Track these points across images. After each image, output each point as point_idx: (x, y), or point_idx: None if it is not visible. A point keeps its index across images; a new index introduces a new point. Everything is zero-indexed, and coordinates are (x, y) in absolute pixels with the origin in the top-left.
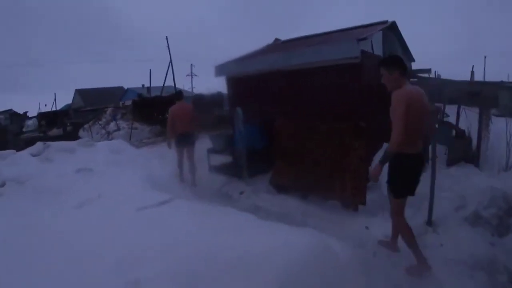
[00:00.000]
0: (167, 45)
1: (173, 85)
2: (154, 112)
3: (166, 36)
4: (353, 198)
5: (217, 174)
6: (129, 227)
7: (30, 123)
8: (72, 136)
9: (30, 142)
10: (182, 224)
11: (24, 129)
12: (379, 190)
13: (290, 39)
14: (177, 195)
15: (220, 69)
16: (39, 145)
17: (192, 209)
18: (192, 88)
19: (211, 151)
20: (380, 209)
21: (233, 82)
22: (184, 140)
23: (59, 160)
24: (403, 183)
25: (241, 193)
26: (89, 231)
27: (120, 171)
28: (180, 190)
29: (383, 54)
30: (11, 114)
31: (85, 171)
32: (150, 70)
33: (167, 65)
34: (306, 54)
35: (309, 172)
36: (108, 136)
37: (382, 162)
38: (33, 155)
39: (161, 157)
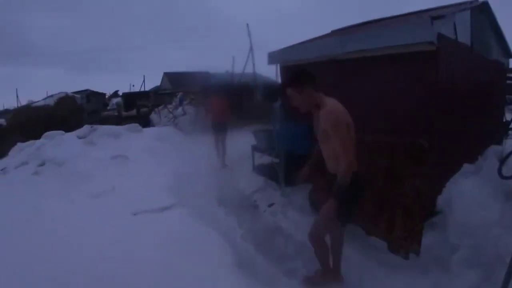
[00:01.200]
0: (247, 33)
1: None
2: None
3: (247, 24)
4: (403, 243)
5: (258, 176)
6: (117, 231)
7: (116, 101)
8: (144, 118)
9: (104, 121)
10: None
11: (108, 108)
12: (439, 234)
13: (358, 24)
14: (187, 199)
15: (273, 56)
16: (86, 128)
17: (179, 224)
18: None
19: (255, 148)
20: (435, 264)
21: (285, 71)
22: (217, 128)
23: (101, 145)
24: (354, 206)
25: (270, 205)
26: (87, 226)
27: (153, 162)
28: (196, 192)
29: (471, 42)
30: (88, 94)
31: (120, 158)
32: (233, 57)
33: (249, 52)
34: (362, 40)
35: None
36: (174, 120)
37: (337, 198)
38: (79, 137)
39: (207, 146)
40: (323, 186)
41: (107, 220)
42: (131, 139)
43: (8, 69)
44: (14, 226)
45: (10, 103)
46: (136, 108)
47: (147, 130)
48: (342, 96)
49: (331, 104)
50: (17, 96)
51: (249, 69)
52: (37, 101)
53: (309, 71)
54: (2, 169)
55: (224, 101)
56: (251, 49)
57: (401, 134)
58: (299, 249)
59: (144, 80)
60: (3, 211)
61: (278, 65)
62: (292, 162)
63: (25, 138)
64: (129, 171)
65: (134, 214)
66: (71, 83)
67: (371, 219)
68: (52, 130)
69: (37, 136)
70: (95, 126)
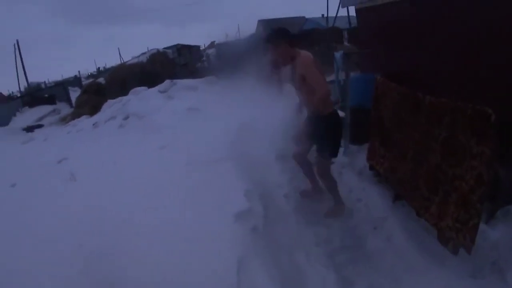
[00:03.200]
0: None
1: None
2: (314, 45)
3: None
4: (453, 234)
5: None
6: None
7: (207, 52)
8: None
9: (195, 72)
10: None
11: (203, 59)
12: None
13: None
14: (244, 151)
15: None
16: (167, 82)
17: (218, 176)
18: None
19: None
20: (491, 269)
21: (360, 13)
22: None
23: (179, 98)
24: (337, 141)
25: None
26: (144, 173)
27: (224, 114)
28: (257, 145)
29: None
30: (179, 48)
31: (193, 110)
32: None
33: None
34: None
35: (404, 166)
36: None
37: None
38: (160, 92)
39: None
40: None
41: (160, 170)
42: (206, 92)
43: (111, 29)
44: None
45: (114, 61)
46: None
47: (222, 82)
48: (418, 44)
49: (304, 53)
50: (119, 55)
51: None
52: (131, 59)
53: (284, 29)
54: (94, 124)
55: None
56: None
57: (472, 100)
58: (339, 221)
59: (238, 29)
60: (93, 160)
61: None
62: (360, 117)
63: (122, 95)
64: (198, 123)
65: (186, 165)
66: (168, 37)
67: (422, 199)
68: (144, 85)
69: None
70: (174, 81)
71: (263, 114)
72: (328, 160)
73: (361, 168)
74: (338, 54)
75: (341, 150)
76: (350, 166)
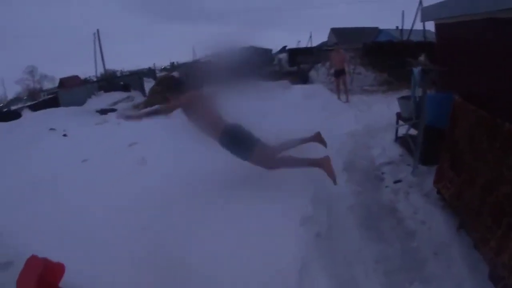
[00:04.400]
0: None
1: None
2: (385, 58)
3: None
4: (507, 274)
5: (399, 147)
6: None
7: (279, 57)
8: (303, 74)
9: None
10: None
11: (274, 63)
12: None
13: None
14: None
15: (427, 12)
16: None
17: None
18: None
19: (399, 117)
20: None
21: (440, 29)
22: (336, 74)
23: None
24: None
25: (396, 182)
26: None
27: (294, 120)
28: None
29: None
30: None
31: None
32: (403, 11)
33: (419, 7)
34: None
35: (472, 192)
36: (331, 79)
37: None
38: None
39: (359, 109)
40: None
41: (229, 164)
42: (279, 95)
43: (186, 28)
44: None
45: (186, 58)
46: (297, 64)
47: (296, 87)
48: (501, 66)
49: None
50: (193, 52)
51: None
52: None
53: None
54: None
55: (341, 53)
56: (420, 4)
57: None
58: (401, 241)
59: (310, 36)
60: (164, 148)
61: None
62: (433, 137)
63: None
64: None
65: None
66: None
67: (484, 229)
68: None
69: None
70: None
71: (335, 122)
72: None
73: (429, 190)
74: (416, 70)
75: (410, 169)
76: (418, 187)
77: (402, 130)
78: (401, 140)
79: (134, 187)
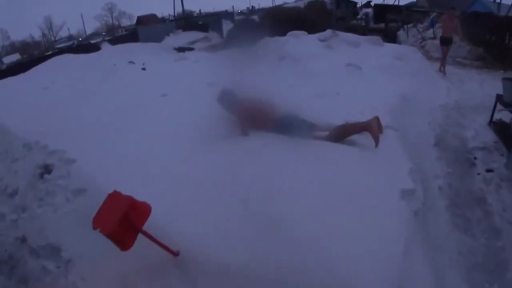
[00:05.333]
0: None
1: None
2: (483, 31)
3: None
4: None
5: (492, 132)
6: None
7: (365, 12)
8: (391, 33)
9: (350, 29)
10: None
11: (358, 17)
12: None
13: None
14: (403, 125)
15: None
16: (328, 32)
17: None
18: None
19: (499, 99)
20: None
21: None
22: (445, 42)
23: (339, 50)
24: None
25: (488, 170)
26: None
27: (384, 79)
28: (418, 123)
29: None
30: (338, 1)
31: (353, 67)
32: None
33: None
34: None
35: None
36: (421, 42)
37: None
38: (320, 40)
39: (451, 82)
40: None
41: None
42: (370, 51)
43: None
44: None
45: (266, 3)
46: (385, 22)
47: (387, 45)
48: None
49: None
50: None
51: None
52: (289, 3)
53: None
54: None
55: (454, 20)
56: None
57: None
58: (486, 237)
59: None
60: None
61: None
62: None
63: (273, 34)
64: (358, 82)
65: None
66: None
67: None
68: (298, 30)
69: (283, 34)
70: (336, 32)
71: (426, 92)
72: None
73: None
74: None
75: (503, 160)
76: (510, 182)
77: (499, 115)
78: (496, 126)
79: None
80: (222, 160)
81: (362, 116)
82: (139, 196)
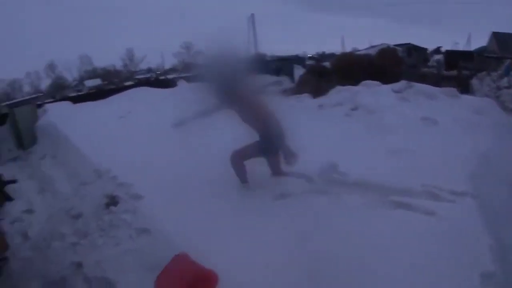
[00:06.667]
0: None
1: None
2: None
3: None
4: None
5: None
6: None
7: (437, 59)
8: (464, 81)
9: (422, 77)
10: None
11: (428, 64)
12: None
13: None
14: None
15: None
16: (402, 83)
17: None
18: None
19: None
20: None
21: None
22: None
23: (415, 102)
24: None
25: None
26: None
27: (466, 134)
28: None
29: None
30: (410, 48)
31: (429, 121)
32: None
33: None
34: None
35: None
36: (496, 92)
37: None
38: (394, 91)
39: None
40: None
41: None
42: (446, 104)
43: (335, 18)
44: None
45: (335, 48)
46: (458, 69)
47: (464, 97)
48: None
49: None
50: (342, 43)
51: None
52: (360, 50)
53: None
54: (319, 105)
55: None
56: None
57: None
58: None
59: (469, 38)
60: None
61: None
62: None
63: (344, 82)
64: (434, 137)
65: (422, 186)
66: (391, 34)
67: None
68: (370, 79)
69: (355, 82)
70: (411, 83)
71: (508, 150)
72: None
73: None
74: None
75: None
76: None
77: None
78: None
79: None
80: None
81: (438, 180)
82: (205, 249)
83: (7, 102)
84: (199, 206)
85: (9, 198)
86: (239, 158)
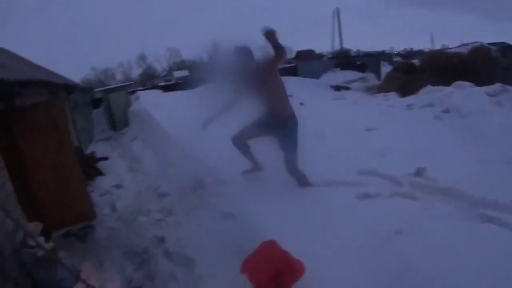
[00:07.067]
0: None
1: None
2: None
3: None
4: None
5: None
6: None
7: None
8: None
9: None
10: None
11: None
12: None
13: None
14: None
15: None
16: (497, 86)
17: None
18: None
19: None
20: None
21: None
22: None
23: (510, 108)
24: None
25: None
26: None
27: None
28: None
29: None
30: (504, 47)
31: None
32: None
33: None
34: None
35: None
36: None
37: None
38: (488, 95)
39: None
40: None
41: None
42: None
43: (423, 12)
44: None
45: (423, 45)
46: None
47: None
48: None
49: None
50: (431, 40)
51: None
52: (451, 48)
53: None
54: (408, 105)
55: None
56: None
57: None
58: None
59: None
60: (405, 142)
61: None
62: None
63: (435, 82)
64: None
65: None
66: (483, 32)
67: None
68: (462, 79)
69: (447, 82)
70: (506, 87)
71: None
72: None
73: None
74: None
75: None
76: None
77: None
78: None
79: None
80: (377, 227)
81: None
82: (288, 240)
83: (102, 88)
84: (283, 197)
85: (100, 173)
86: (240, 139)
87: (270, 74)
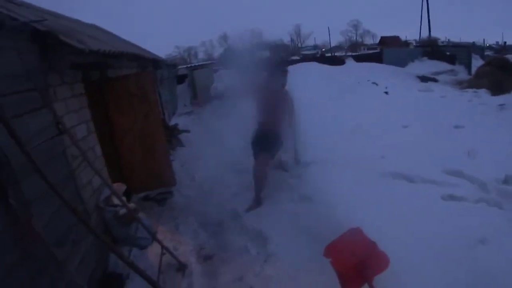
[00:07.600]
0: None
1: None
2: None
3: None
4: None
5: None
6: None
7: None
8: None
9: None
10: None
11: None
12: None
13: None
14: None
15: None
16: None
17: None
18: None
19: None
20: None
21: None
22: None
23: None
24: None
25: None
26: None
27: None
28: None
29: None
30: None
31: None
32: None
33: None
34: None
35: None
36: None
37: None
38: None
39: None
40: None
41: None
42: None
43: None
44: None
45: None
46: None
47: None
48: None
49: None
50: None
51: None
52: None
53: None
54: (500, 104)
55: None
56: None
57: None
58: None
59: None
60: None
61: None
62: None
63: None
64: None
65: None
66: None
67: None
68: None
69: None
70: None
71: None
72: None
73: None
74: None
75: None
76: None
77: None
78: None
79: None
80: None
81: None
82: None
83: (187, 65)
84: (363, 188)
85: (182, 145)
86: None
87: (285, 103)
